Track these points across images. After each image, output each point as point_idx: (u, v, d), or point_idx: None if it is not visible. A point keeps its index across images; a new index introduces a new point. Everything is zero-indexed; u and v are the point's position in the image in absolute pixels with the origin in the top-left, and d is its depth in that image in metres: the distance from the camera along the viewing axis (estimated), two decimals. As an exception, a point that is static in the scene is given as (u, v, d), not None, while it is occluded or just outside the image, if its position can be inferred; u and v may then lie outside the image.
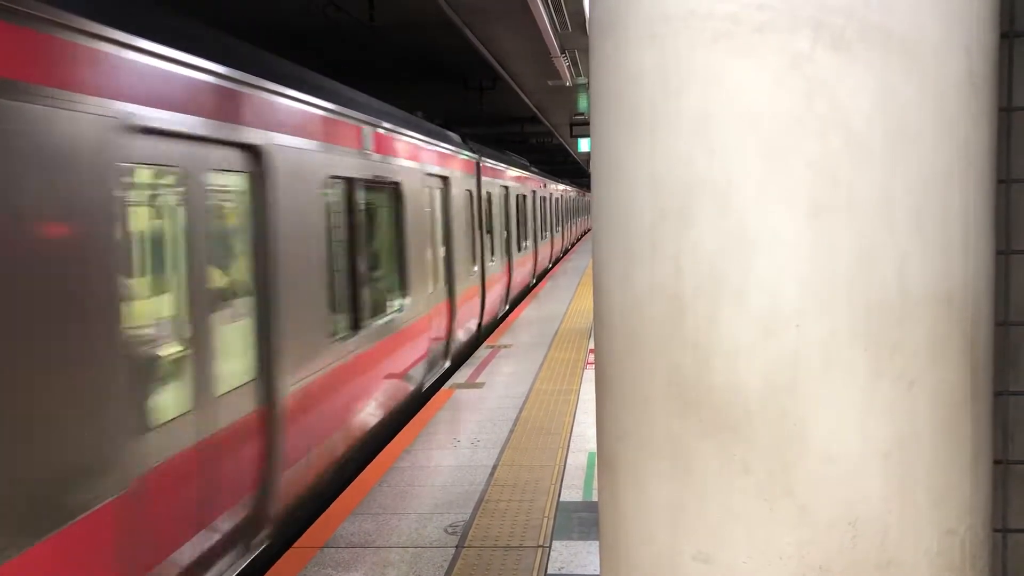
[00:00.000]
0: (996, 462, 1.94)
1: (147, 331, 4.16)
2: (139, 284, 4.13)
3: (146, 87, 4.09)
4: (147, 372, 4.12)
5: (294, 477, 5.59)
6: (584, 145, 23.88)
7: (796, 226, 1.50)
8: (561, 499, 5.99)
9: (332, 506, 5.99)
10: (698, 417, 1.58)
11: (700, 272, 1.56)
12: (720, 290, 1.54)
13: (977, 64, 1.53)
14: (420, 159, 9.54)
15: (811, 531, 1.54)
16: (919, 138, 1.49)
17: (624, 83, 1.64)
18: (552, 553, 5.10)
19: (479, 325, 13.31)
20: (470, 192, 12.78)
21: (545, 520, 5.60)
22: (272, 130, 5.42)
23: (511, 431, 7.76)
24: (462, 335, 11.76)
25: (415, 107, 13.46)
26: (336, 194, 6.75)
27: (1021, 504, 2.07)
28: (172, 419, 4.25)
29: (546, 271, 24.95)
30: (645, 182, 1.61)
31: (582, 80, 15.30)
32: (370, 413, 7.35)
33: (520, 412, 8.44)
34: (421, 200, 9.52)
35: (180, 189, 4.44)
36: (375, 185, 7.80)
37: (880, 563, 1.54)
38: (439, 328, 10.27)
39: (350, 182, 7.03)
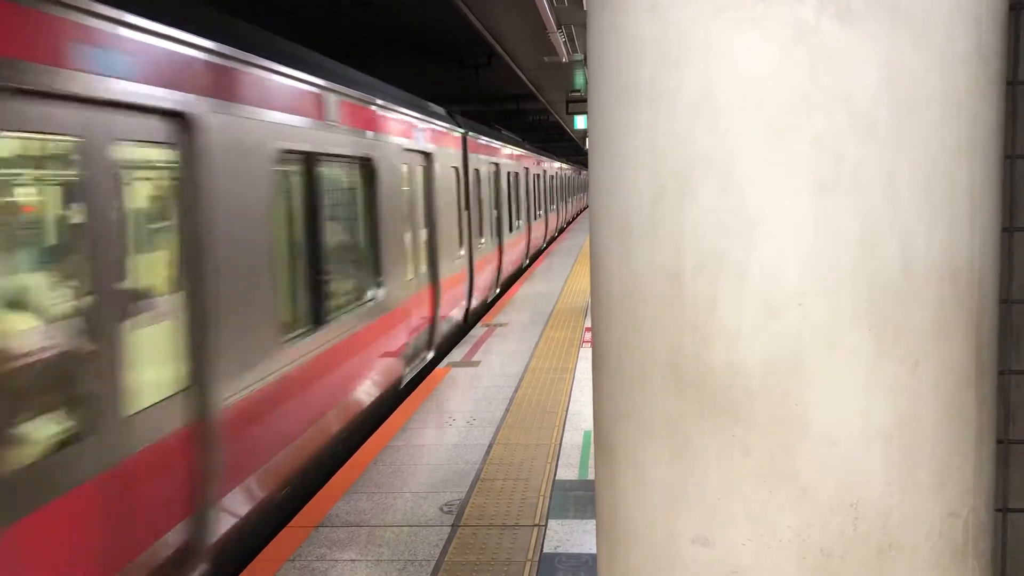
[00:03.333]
0: (997, 442, 1.92)
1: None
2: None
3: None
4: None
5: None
6: (580, 122, 23.77)
7: (799, 203, 1.46)
8: (557, 478, 5.98)
9: (327, 485, 5.99)
10: (697, 398, 1.55)
11: (700, 251, 1.52)
12: (721, 269, 1.51)
13: (986, 36, 1.49)
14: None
15: (812, 514, 1.51)
16: (926, 113, 1.45)
17: (623, 56, 1.60)
18: (548, 532, 5.09)
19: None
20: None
21: (541, 499, 5.60)
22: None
23: (507, 410, 7.75)
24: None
25: (412, 85, 13.47)
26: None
27: (1022, 484, 2.06)
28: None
29: (558, 234, 32.22)
30: (644, 158, 1.58)
31: (578, 56, 15.17)
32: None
33: (516, 391, 8.42)
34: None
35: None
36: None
37: (882, 546, 1.52)
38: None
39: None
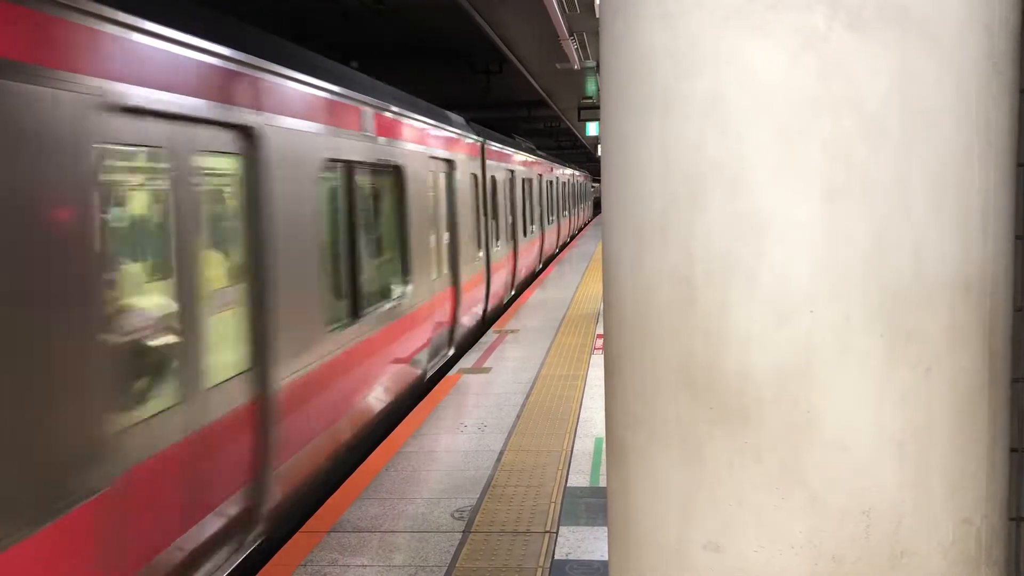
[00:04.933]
0: (1011, 450, 1.91)
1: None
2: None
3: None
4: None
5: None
6: (592, 129, 23.77)
7: (810, 209, 1.46)
8: (568, 484, 5.98)
9: (338, 491, 6.00)
10: (709, 405, 1.55)
11: (711, 257, 1.52)
12: (732, 275, 1.51)
13: (998, 43, 1.49)
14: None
15: (823, 521, 1.51)
16: (937, 119, 1.45)
17: (635, 64, 1.61)
18: (559, 538, 5.09)
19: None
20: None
21: (552, 505, 5.60)
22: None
23: (518, 416, 7.75)
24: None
25: (422, 90, 13.56)
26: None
27: (1035, 492, 2.04)
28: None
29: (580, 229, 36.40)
30: (656, 165, 1.58)
31: (590, 63, 15.19)
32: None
33: (527, 397, 8.42)
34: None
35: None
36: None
37: (894, 553, 1.52)
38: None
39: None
